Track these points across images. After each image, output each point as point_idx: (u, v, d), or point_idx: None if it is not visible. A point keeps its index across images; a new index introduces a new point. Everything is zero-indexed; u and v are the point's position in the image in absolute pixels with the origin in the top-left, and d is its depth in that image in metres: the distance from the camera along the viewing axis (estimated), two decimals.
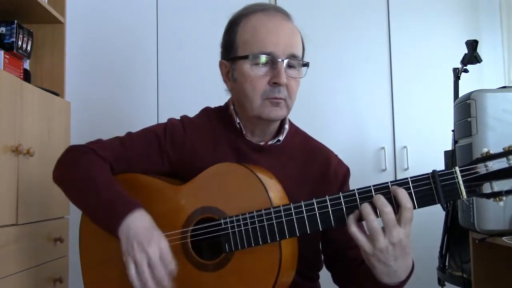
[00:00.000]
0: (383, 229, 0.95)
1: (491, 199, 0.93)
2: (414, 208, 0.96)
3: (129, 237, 1.06)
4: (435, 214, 2.40)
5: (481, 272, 1.90)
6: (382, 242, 0.94)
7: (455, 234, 2.22)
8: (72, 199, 1.21)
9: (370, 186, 0.98)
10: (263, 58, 1.15)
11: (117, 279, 1.19)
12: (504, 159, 0.91)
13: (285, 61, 1.15)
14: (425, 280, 2.52)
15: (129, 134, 1.29)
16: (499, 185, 0.91)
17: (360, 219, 0.98)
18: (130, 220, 1.07)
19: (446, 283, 2.24)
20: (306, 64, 1.21)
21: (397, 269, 0.98)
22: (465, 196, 0.93)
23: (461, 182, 0.93)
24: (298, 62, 1.19)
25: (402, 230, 0.94)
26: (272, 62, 1.16)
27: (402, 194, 0.95)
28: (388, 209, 0.94)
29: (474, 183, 0.93)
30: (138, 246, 1.04)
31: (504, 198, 0.91)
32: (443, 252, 2.27)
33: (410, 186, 0.96)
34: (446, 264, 2.26)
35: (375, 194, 0.97)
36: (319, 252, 1.29)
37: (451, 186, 0.94)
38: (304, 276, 1.22)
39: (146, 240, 1.04)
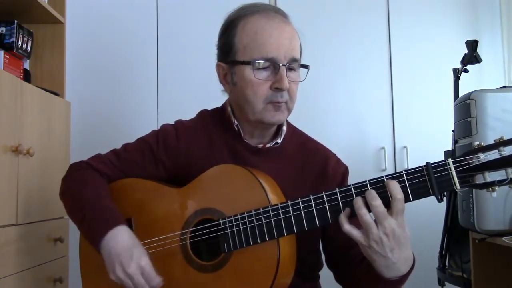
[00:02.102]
0: (375, 221, 0.97)
1: (484, 190, 0.95)
2: (409, 200, 0.98)
3: (111, 256, 1.09)
4: (435, 214, 2.41)
5: (481, 272, 1.91)
6: (375, 233, 0.96)
7: (455, 234, 2.22)
8: (69, 215, 1.25)
9: (366, 181, 1.00)
10: (266, 64, 1.15)
11: (116, 284, 1.20)
12: (496, 150, 0.93)
13: (286, 65, 1.15)
14: (425, 280, 2.51)
15: (124, 146, 1.31)
16: (491, 176, 0.93)
17: (351, 216, 1.00)
18: (110, 238, 1.10)
19: (446, 283, 2.24)
20: (305, 66, 1.20)
21: (395, 261, 0.98)
22: (458, 187, 0.95)
23: (454, 173, 0.95)
24: (298, 65, 1.19)
25: (393, 221, 0.96)
26: (274, 67, 1.15)
27: (393, 186, 0.97)
28: (377, 202, 0.96)
29: (467, 174, 0.95)
30: (119, 267, 1.08)
31: (496, 188, 0.94)
32: (443, 252, 2.27)
33: (405, 179, 0.97)
34: (446, 264, 2.26)
35: (370, 188, 0.99)
36: (319, 252, 1.29)
37: (444, 177, 0.95)
38: (304, 276, 1.22)
39: (126, 259, 1.07)
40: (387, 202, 0.97)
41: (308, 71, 1.21)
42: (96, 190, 1.20)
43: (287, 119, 1.29)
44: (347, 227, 0.99)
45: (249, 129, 1.24)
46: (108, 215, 1.14)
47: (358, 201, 0.98)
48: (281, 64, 1.14)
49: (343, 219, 1.00)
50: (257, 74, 1.15)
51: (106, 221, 1.12)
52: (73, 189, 1.24)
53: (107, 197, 1.20)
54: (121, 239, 1.09)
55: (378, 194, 0.97)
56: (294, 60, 1.17)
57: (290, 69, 1.17)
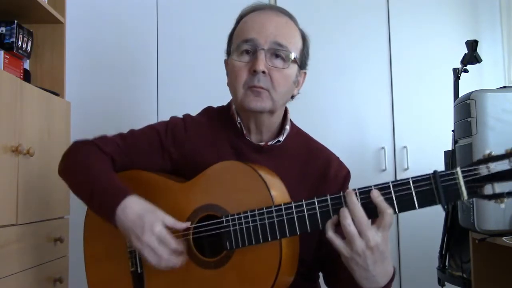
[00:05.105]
0: (359, 232, 0.95)
1: (493, 201, 0.91)
2: (415, 208, 0.96)
3: (125, 228, 1.09)
4: (435, 214, 2.39)
5: (481, 272, 1.91)
6: (359, 245, 0.94)
7: (455, 234, 2.22)
8: (72, 189, 1.24)
9: (371, 186, 0.98)
10: (245, 46, 1.17)
11: (119, 273, 1.20)
12: (506, 161, 0.89)
13: (266, 48, 1.15)
14: (425, 280, 2.52)
15: (131, 131, 1.31)
16: (500, 187, 0.90)
17: (339, 224, 0.97)
18: (121, 211, 1.09)
19: (446, 283, 2.24)
20: (297, 62, 1.20)
21: (375, 274, 0.97)
22: (466, 197, 0.92)
23: (462, 183, 0.92)
24: (286, 53, 1.18)
25: (379, 234, 0.95)
26: (254, 51, 1.16)
27: (380, 199, 0.95)
28: (358, 211, 0.94)
29: (476, 185, 0.91)
30: (135, 237, 1.07)
31: (505, 200, 0.90)
32: (443, 252, 2.27)
33: (411, 186, 0.96)
34: (446, 264, 2.26)
35: (358, 196, 0.97)
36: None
37: (452, 187, 0.92)
38: (304, 276, 1.22)
39: (140, 229, 1.06)
40: (374, 212, 0.96)
41: (298, 64, 1.21)
42: (104, 167, 1.20)
43: (291, 119, 1.30)
44: (330, 234, 0.97)
45: (246, 122, 1.25)
46: (116, 189, 1.13)
47: (344, 211, 0.96)
48: (260, 47, 1.15)
49: (329, 226, 0.98)
50: (238, 58, 1.18)
51: (113, 197, 1.12)
52: (79, 164, 1.23)
53: (114, 174, 1.20)
54: (130, 211, 1.09)
55: (366, 204, 0.96)
56: (278, 45, 1.16)
57: (276, 56, 1.17)
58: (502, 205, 0.91)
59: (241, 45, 1.17)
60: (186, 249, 1.11)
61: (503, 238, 1.70)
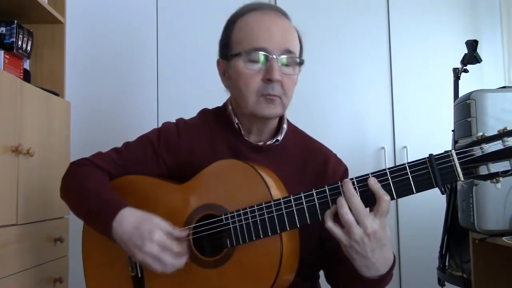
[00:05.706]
0: (357, 220, 0.96)
1: (488, 181, 0.94)
2: (413, 193, 0.97)
3: (125, 242, 1.09)
4: (435, 214, 2.41)
5: (481, 272, 1.91)
6: (357, 233, 0.95)
7: (455, 234, 2.22)
8: (73, 212, 1.25)
9: (368, 174, 0.99)
10: (257, 55, 1.16)
11: (119, 278, 1.20)
12: (499, 141, 0.92)
13: (280, 57, 1.15)
14: (425, 280, 2.52)
15: (126, 144, 1.31)
16: (495, 167, 0.92)
17: (337, 214, 0.98)
18: (117, 225, 1.10)
19: (446, 283, 2.24)
20: (301, 62, 1.21)
21: (375, 261, 0.98)
22: (462, 178, 0.94)
23: (457, 165, 0.94)
24: (293, 59, 1.18)
25: (376, 221, 0.96)
26: (266, 58, 1.16)
27: (377, 186, 0.96)
28: (355, 199, 0.96)
29: (471, 165, 0.94)
30: (136, 249, 1.07)
31: (501, 179, 0.92)
32: (443, 252, 2.27)
33: (407, 172, 0.97)
34: (446, 264, 2.26)
35: (356, 185, 0.98)
36: (318, 252, 1.29)
37: (448, 169, 0.95)
38: (304, 276, 1.22)
39: (139, 240, 1.07)
40: (373, 200, 0.97)
41: (301, 66, 1.21)
42: (98, 184, 1.20)
43: (288, 118, 1.30)
44: (330, 224, 0.98)
45: (247, 124, 1.24)
46: (108, 206, 1.13)
47: (342, 200, 0.97)
48: (273, 56, 1.15)
49: (328, 216, 0.99)
50: (248, 66, 1.16)
51: (108, 213, 1.12)
52: (75, 185, 1.24)
53: (108, 189, 1.20)
54: (126, 223, 1.09)
55: (364, 192, 0.97)
56: (289, 52, 1.17)
57: (286, 64, 1.17)
58: (498, 185, 0.93)
59: (251, 54, 1.16)
60: (188, 247, 1.11)
61: (503, 238, 1.70)
